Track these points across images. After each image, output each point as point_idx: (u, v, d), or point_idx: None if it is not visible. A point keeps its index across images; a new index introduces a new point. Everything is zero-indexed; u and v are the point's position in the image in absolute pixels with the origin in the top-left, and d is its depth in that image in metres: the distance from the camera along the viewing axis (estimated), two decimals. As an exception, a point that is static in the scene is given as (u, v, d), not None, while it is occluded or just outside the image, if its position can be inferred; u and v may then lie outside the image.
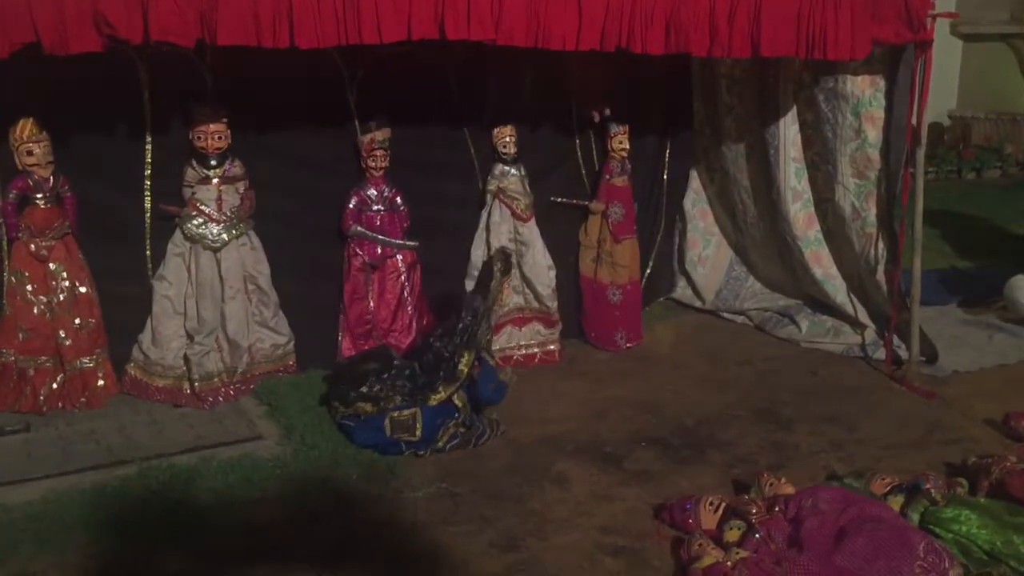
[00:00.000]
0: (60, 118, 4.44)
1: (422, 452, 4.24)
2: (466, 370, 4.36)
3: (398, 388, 4.35)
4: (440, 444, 4.27)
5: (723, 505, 3.61)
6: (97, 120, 4.53)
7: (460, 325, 4.43)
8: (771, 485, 3.70)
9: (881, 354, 5.35)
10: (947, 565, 3.09)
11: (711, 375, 5.27)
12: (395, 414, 4.23)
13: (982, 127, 11.68)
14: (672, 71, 5.82)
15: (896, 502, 3.57)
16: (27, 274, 4.50)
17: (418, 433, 4.22)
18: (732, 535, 3.43)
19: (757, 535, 3.35)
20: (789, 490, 3.64)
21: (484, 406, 4.56)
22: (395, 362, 4.51)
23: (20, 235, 4.46)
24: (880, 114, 5.14)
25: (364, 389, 4.33)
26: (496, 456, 4.28)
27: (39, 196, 4.44)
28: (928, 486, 3.56)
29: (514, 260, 5.31)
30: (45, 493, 3.82)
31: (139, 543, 3.54)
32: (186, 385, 4.72)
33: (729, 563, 3.19)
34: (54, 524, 3.61)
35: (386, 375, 4.40)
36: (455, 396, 4.32)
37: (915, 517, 3.46)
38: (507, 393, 4.78)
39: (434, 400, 4.27)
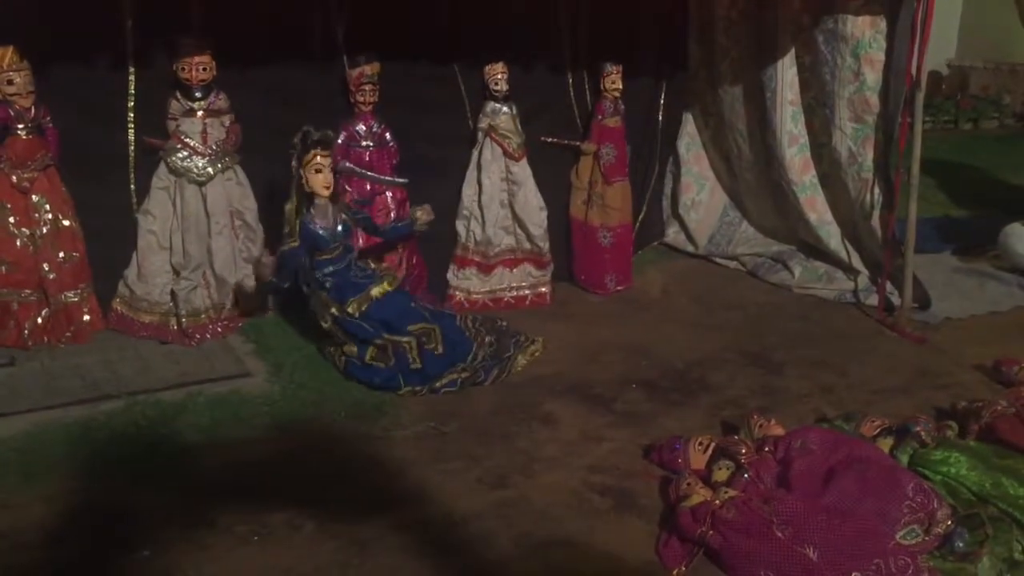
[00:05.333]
0: (41, 47, 4.32)
1: (420, 389, 4.22)
2: None
3: None
4: (437, 385, 4.24)
5: (712, 445, 3.59)
6: (79, 50, 4.42)
7: None
8: (760, 426, 3.68)
9: (874, 300, 5.33)
10: (935, 505, 3.09)
11: (702, 319, 5.25)
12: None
13: (980, 77, 11.59)
14: (668, 10, 5.70)
15: (885, 444, 3.56)
16: (9, 206, 4.42)
17: (440, 348, 4.27)
18: (720, 475, 3.42)
19: (746, 475, 3.33)
20: (778, 431, 3.62)
21: None
22: None
23: (1, 166, 4.37)
24: (880, 56, 5.05)
25: None
26: (485, 396, 4.26)
27: (20, 126, 4.35)
28: (918, 429, 3.54)
29: (507, 200, 5.27)
30: (29, 427, 3.80)
31: (124, 477, 3.51)
32: (172, 321, 4.67)
33: (717, 502, 3.17)
34: (38, 457, 3.59)
35: None
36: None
37: (904, 459, 3.46)
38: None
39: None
